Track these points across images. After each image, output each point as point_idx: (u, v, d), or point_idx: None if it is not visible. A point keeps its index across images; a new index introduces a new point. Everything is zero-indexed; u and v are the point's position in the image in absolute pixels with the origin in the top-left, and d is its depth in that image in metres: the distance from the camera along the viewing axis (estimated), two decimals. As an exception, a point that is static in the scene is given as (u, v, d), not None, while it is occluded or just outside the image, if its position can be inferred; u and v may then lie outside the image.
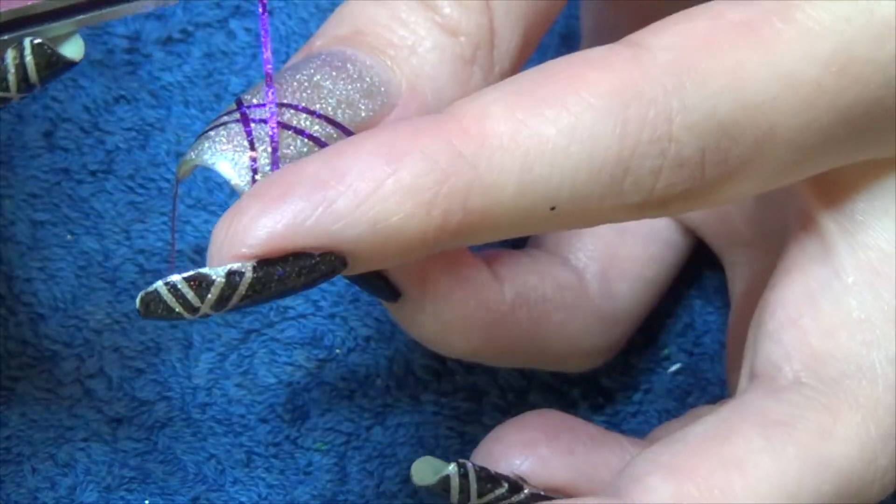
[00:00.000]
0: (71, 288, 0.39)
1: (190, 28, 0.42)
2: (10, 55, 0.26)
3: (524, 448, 0.32)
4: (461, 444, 0.38)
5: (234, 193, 0.40)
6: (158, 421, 0.37)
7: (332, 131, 0.28)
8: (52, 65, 0.26)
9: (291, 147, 0.27)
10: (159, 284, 0.26)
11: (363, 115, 0.28)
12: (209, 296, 0.26)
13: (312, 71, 0.28)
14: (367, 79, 0.28)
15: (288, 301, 0.38)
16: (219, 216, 0.39)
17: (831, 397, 0.28)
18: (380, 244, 0.25)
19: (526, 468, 0.32)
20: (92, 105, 0.41)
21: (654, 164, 0.26)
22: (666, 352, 0.40)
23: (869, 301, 0.28)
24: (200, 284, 0.26)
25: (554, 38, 0.42)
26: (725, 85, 0.26)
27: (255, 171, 0.27)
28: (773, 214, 0.33)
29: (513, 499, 0.31)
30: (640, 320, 0.37)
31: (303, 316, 0.39)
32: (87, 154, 0.40)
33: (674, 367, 0.39)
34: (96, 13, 0.27)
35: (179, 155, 0.40)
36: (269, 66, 0.28)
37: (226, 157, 0.27)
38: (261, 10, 0.28)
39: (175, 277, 0.26)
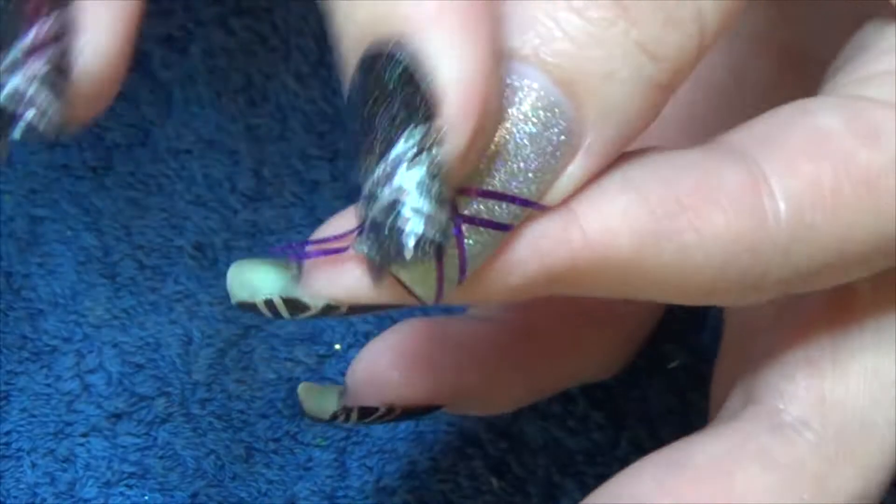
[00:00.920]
0: (70, 283, 0.39)
1: (190, 25, 0.42)
2: None
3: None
4: (460, 441, 0.38)
5: (234, 190, 0.40)
6: (158, 416, 0.37)
7: (518, 211, 0.23)
8: None
9: (474, 240, 0.23)
10: (259, 300, 0.25)
11: (546, 178, 0.23)
12: (298, 314, 0.25)
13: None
14: (554, 124, 0.23)
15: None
16: (219, 213, 0.40)
17: (832, 447, 0.28)
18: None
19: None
20: (92, 101, 0.41)
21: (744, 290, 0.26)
22: (666, 348, 0.40)
23: (884, 358, 0.28)
24: (296, 307, 0.25)
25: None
26: (833, 247, 0.26)
27: (440, 281, 0.23)
28: None
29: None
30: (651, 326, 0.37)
31: (302, 312, 0.39)
32: (87, 150, 0.40)
33: (673, 364, 0.40)
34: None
35: (179, 151, 0.40)
36: None
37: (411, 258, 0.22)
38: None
39: (277, 298, 0.25)
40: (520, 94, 0.23)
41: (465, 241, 0.22)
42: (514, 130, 0.23)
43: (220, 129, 0.41)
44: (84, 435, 0.37)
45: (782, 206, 0.25)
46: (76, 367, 0.38)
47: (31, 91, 0.24)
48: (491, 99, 0.22)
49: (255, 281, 0.25)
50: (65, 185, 0.40)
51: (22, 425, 0.37)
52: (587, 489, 0.31)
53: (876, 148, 0.25)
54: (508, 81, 0.23)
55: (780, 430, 0.28)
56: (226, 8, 0.42)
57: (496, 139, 0.23)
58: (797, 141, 0.25)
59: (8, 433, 0.37)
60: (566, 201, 0.24)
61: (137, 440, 0.37)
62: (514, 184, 0.23)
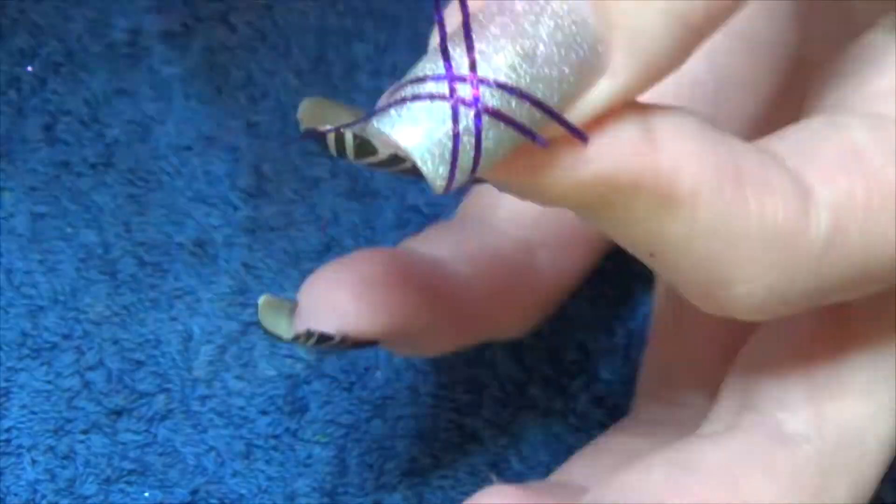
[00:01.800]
0: (70, 280, 0.39)
1: (190, 21, 0.42)
2: None
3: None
4: (460, 437, 0.38)
5: (234, 186, 0.40)
6: (158, 413, 0.37)
7: (538, 115, 0.23)
8: None
9: (492, 135, 0.23)
10: (329, 129, 0.24)
11: (568, 90, 0.23)
12: (364, 158, 0.25)
13: (531, 29, 0.23)
14: (581, 40, 0.23)
15: (288, 294, 0.38)
16: (219, 209, 0.40)
17: (828, 461, 0.28)
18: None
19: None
20: (92, 98, 0.41)
21: None
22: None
23: (880, 379, 0.29)
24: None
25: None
26: (860, 261, 0.26)
27: (454, 166, 0.23)
28: None
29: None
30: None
31: (303, 308, 0.39)
32: (87, 147, 0.40)
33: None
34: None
35: (179, 148, 0.40)
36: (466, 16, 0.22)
37: (425, 143, 0.23)
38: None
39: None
40: (552, 5, 0.23)
41: (484, 132, 0.23)
42: (543, 35, 0.23)
43: (220, 126, 0.41)
44: (84, 432, 0.37)
45: (824, 214, 0.25)
46: (76, 363, 0.38)
47: None
48: None
49: (327, 115, 0.25)
50: (65, 181, 0.40)
51: (22, 422, 0.37)
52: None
53: None
54: None
55: (780, 440, 0.28)
56: (226, 4, 0.42)
57: (525, 42, 0.23)
58: (832, 154, 0.26)
59: (8, 430, 0.37)
60: (601, 124, 0.24)
61: (137, 437, 0.37)
62: (538, 87, 0.23)
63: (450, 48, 0.23)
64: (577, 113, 0.24)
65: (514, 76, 0.23)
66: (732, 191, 0.25)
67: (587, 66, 0.23)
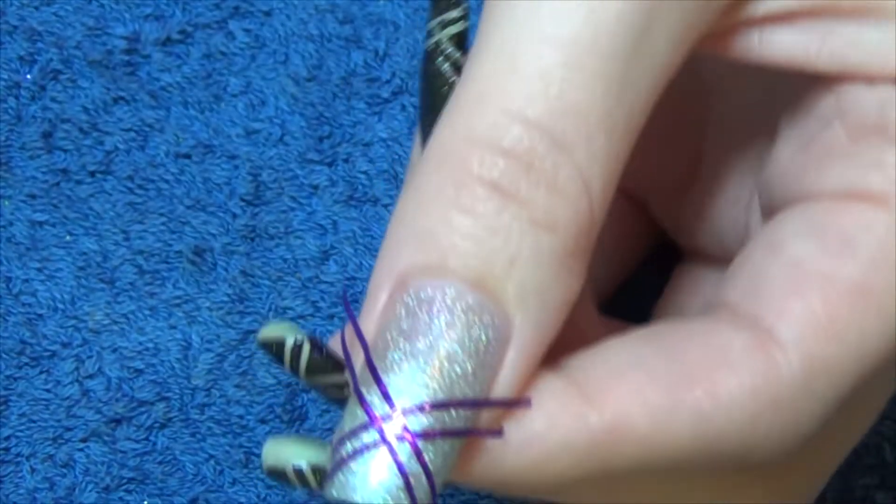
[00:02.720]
0: (70, 288, 0.39)
1: (189, 29, 0.42)
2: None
3: None
4: (459, 445, 0.38)
5: (233, 194, 0.40)
6: (157, 421, 0.37)
7: (469, 414, 0.24)
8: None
9: (433, 453, 0.24)
10: (289, 468, 0.25)
11: (487, 374, 0.24)
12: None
13: (427, 339, 0.24)
14: (476, 324, 0.24)
15: (287, 302, 0.39)
16: (218, 217, 0.40)
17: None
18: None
19: None
20: (91, 106, 0.41)
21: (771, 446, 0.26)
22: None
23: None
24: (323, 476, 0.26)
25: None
26: (853, 367, 0.25)
27: (412, 495, 0.24)
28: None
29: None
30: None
31: (302, 317, 0.39)
32: (86, 155, 0.40)
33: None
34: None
35: (178, 156, 0.40)
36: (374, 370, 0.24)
37: (380, 491, 0.24)
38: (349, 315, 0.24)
39: (304, 465, 0.25)
40: (436, 305, 0.24)
41: (426, 454, 0.24)
42: (443, 340, 0.24)
43: (219, 134, 0.41)
44: (83, 440, 0.37)
45: (791, 350, 0.25)
46: (75, 372, 0.38)
47: None
48: None
49: (286, 453, 0.25)
50: (64, 189, 0.40)
51: (21, 430, 0.37)
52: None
53: (854, 257, 0.25)
54: (423, 296, 0.24)
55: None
56: (225, 11, 0.42)
57: (426, 354, 0.24)
58: (779, 282, 0.25)
59: (7, 438, 0.37)
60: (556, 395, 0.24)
61: (136, 445, 0.37)
62: (457, 387, 0.24)
63: (363, 392, 0.24)
64: (504, 383, 0.24)
65: (428, 391, 0.23)
66: (690, 397, 0.24)
67: (492, 344, 0.24)
